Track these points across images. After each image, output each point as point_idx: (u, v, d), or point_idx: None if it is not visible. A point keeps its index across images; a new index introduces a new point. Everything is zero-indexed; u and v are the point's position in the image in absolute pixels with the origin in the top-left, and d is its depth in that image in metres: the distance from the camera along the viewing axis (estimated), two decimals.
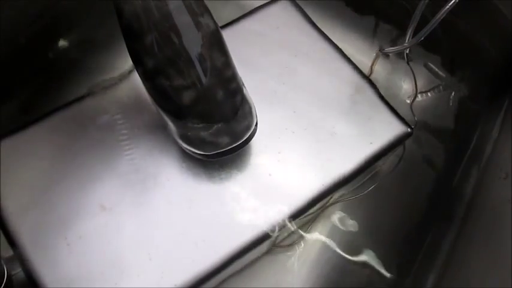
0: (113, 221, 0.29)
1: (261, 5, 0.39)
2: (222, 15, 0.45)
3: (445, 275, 0.34)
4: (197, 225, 0.29)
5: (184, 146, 0.29)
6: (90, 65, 0.42)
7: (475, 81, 0.43)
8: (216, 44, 0.26)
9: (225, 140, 0.28)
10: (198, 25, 0.24)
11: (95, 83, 0.34)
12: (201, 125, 0.27)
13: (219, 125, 0.27)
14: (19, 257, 0.28)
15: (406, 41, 0.38)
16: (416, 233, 0.39)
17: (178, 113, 0.27)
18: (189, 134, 0.28)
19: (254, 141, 0.32)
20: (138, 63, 0.26)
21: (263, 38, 0.37)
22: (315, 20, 0.39)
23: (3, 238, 0.28)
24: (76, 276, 0.27)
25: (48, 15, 0.40)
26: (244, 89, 0.28)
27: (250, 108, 0.29)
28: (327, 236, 0.38)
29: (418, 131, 0.41)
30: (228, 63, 0.27)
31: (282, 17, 0.38)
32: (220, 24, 0.37)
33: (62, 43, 0.42)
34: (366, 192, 0.38)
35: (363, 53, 0.44)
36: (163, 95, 0.26)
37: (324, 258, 0.37)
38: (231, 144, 0.28)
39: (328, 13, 0.46)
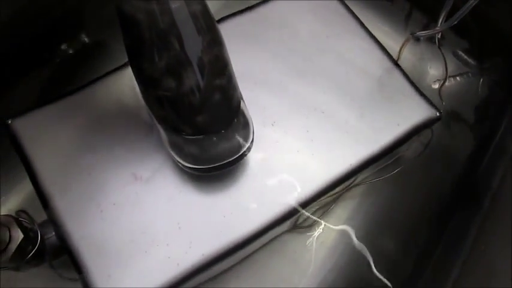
0: (145, 190, 0.29)
1: None
2: None
3: (467, 265, 0.34)
4: (226, 198, 0.30)
5: (178, 159, 0.28)
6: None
7: (504, 69, 0.43)
8: (218, 53, 0.25)
9: (214, 154, 0.27)
10: (200, 32, 0.23)
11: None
12: (194, 137, 0.26)
13: (211, 137, 0.26)
14: (53, 221, 0.28)
15: (438, 25, 0.37)
16: (437, 220, 0.39)
17: (174, 122, 0.26)
18: (183, 146, 0.27)
19: (283, 119, 0.33)
20: (137, 72, 0.25)
21: (295, 19, 0.37)
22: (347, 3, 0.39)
23: (37, 203, 0.29)
24: (107, 242, 0.28)
25: (58, 12, 0.40)
26: (242, 102, 0.28)
27: (247, 122, 0.28)
28: (347, 219, 0.39)
29: (445, 116, 0.41)
30: (229, 74, 0.26)
31: None
32: (250, 4, 0.38)
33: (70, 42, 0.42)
34: (390, 175, 0.38)
35: (392, 38, 0.44)
36: (161, 105, 0.26)
37: (343, 240, 0.38)
38: (220, 161, 0.27)
39: None
